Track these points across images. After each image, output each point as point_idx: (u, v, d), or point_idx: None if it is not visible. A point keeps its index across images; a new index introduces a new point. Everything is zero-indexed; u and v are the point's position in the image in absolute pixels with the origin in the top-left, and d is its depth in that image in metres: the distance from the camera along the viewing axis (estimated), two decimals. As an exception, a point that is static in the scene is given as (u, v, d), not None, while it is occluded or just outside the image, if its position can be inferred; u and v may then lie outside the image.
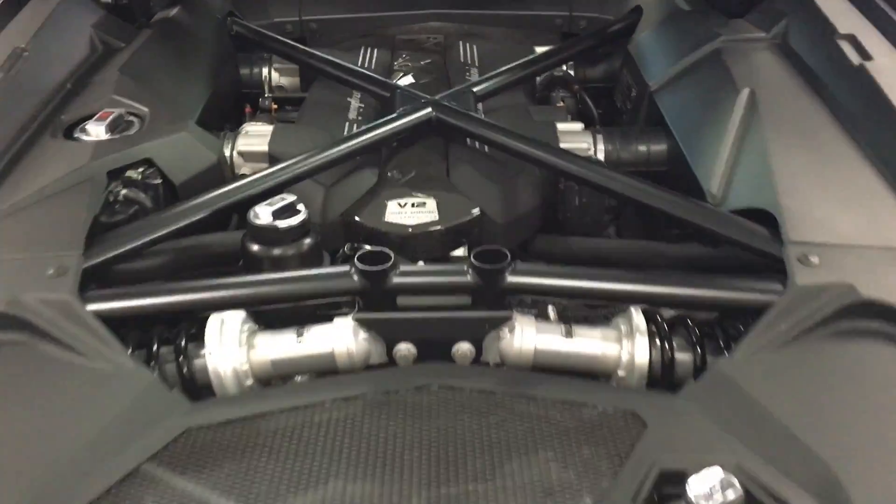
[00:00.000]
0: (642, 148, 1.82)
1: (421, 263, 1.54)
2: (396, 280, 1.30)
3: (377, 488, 0.98)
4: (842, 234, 1.30)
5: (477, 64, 2.22)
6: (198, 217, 1.45)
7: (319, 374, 1.41)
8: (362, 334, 1.35)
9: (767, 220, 1.39)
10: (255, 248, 1.44)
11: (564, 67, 2.23)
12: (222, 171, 1.68)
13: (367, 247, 1.59)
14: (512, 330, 1.35)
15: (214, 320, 1.35)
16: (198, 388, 1.33)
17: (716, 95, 1.71)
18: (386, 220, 1.59)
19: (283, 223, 1.43)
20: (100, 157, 1.48)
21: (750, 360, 1.15)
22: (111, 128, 1.58)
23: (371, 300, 1.33)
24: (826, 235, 1.30)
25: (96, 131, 1.57)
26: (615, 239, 1.72)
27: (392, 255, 1.31)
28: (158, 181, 1.53)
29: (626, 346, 1.34)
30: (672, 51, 1.96)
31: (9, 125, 1.51)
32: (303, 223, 1.46)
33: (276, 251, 1.44)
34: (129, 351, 1.22)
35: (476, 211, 1.62)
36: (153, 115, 1.64)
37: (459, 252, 1.64)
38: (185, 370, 1.33)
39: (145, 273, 1.45)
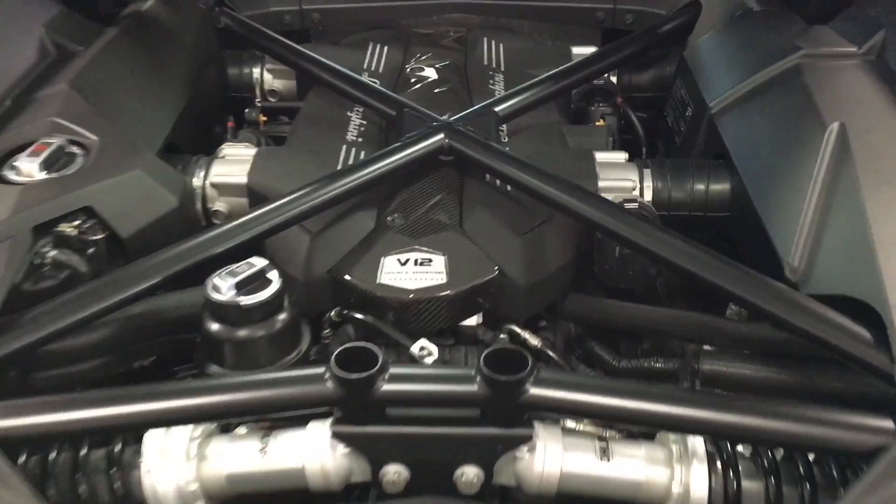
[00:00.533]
0: (699, 187, 1.49)
1: (423, 346, 1.25)
2: (384, 388, 1.01)
3: None
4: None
5: (502, 67, 1.89)
6: (146, 285, 1.16)
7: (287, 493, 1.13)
8: (341, 448, 1.07)
9: (864, 310, 1.07)
10: (214, 327, 1.16)
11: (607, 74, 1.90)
12: (186, 216, 1.37)
13: (358, 315, 1.31)
14: (532, 449, 1.07)
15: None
16: None
17: (796, 129, 1.38)
18: (381, 281, 1.29)
19: (247, 299, 1.14)
20: (25, 208, 1.19)
21: None
22: (47, 164, 1.27)
23: (352, 410, 1.04)
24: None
25: (28, 169, 1.27)
26: (663, 309, 1.40)
27: (379, 354, 1.01)
28: (99, 236, 1.23)
29: (680, 472, 1.05)
30: (739, 63, 1.62)
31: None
32: (274, 297, 1.17)
33: (240, 333, 1.15)
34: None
35: (494, 271, 1.32)
36: (103, 144, 1.33)
37: (472, 321, 1.34)
38: (115, 487, 1.06)
39: (81, 352, 1.17)
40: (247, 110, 1.84)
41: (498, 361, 1.02)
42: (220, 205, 1.49)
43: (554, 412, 1.05)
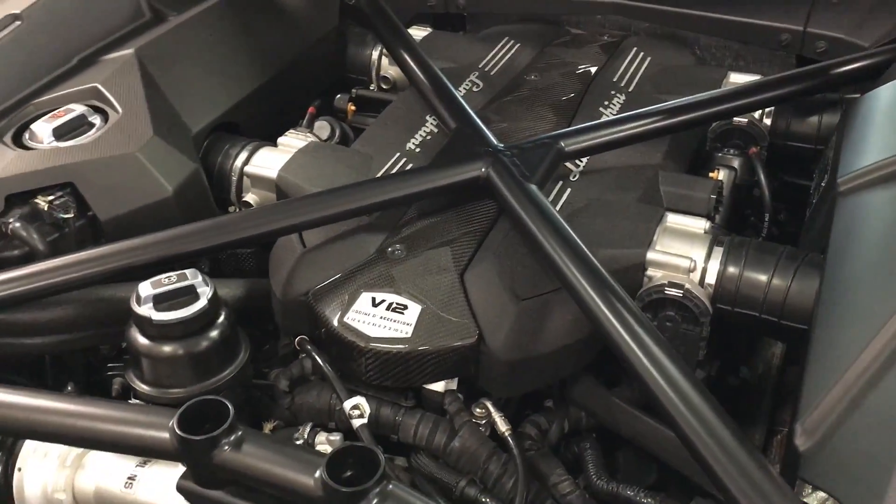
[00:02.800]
0: (779, 283, 1.15)
1: (357, 404, 1.11)
2: (224, 456, 0.89)
3: None
4: None
5: (631, 87, 1.60)
6: (94, 272, 1.13)
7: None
8: (198, 502, 0.97)
9: None
10: (131, 335, 1.10)
11: (759, 114, 1.53)
12: (187, 206, 1.32)
13: (314, 353, 1.18)
14: (385, 570, 0.89)
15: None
16: None
17: None
18: (346, 319, 1.15)
19: (162, 314, 1.07)
20: (7, 174, 1.20)
21: None
22: (60, 132, 1.28)
23: (200, 471, 0.93)
24: None
25: (40, 134, 1.28)
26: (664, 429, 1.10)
27: (231, 412, 0.89)
28: (70, 215, 1.22)
29: None
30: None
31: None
32: (198, 317, 1.08)
33: (153, 348, 1.08)
34: None
35: (470, 337, 1.12)
36: (122, 119, 1.31)
37: (438, 387, 1.16)
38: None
39: (25, 326, 1.18)
40: (338, 97, 1.74)
41: (353, 458, 0.86)
42: (250, 197, 1.43)
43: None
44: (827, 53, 1.63)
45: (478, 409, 1.16)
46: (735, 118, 1.50)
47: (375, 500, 0.83)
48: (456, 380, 1.17)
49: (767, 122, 1.54)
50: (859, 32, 1.59)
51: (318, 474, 0.85)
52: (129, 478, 1.03)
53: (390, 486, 0.85)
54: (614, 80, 1.63)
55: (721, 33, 1.74)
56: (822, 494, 0.95)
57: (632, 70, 1.66)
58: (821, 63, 1.53)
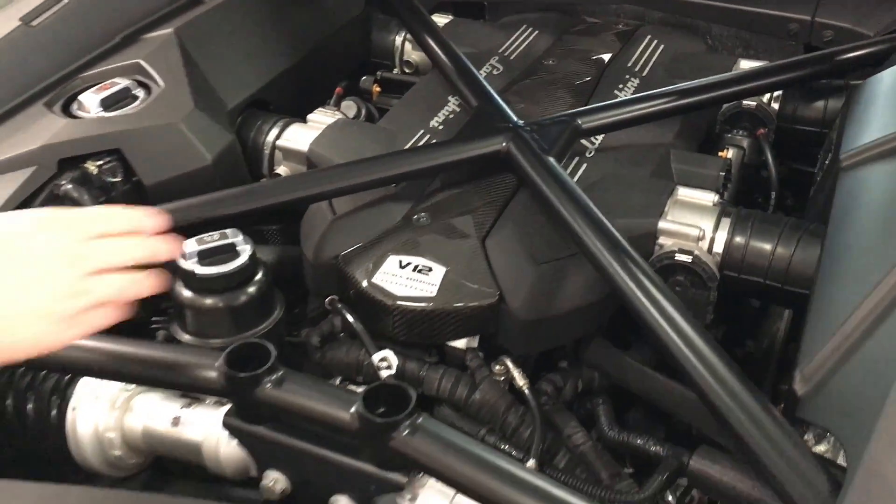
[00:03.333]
0: (783, 252, 1.22)
1: (384, 357, 1.18)
2: (266, 392, 0.97)
3: None
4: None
5: (645, 72, 1.68)
6: None
7: (196, 466, 1.13)
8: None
9: None
10: (177, 288, 1.18)
11: (768, 96, 1.60)
12: (225, 175, 1.39)
13: (345, 311, 1.26)
14: (414, 498, 0.97)
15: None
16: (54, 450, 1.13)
17: None
18: (374, 280, 1.22)
19: (205, 269, 1.15)
20: (59, 140, 1.28)
21: None
22: (106, 103, 1.36)
23: (244, 407, 1.01)
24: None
25: (89, 104, 1.36)
26: (685, 390, 1.17)
27: (273, 353, 0.97)
28: (118, 179, 1.30)
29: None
30: (897, 109, 1.30)
31: (9, 85, 1.36)
32: (238, 272, 1.16)
33: (195, 300, 1.16)
34: None
35: (491, 297, 1.19)
36: (165, 92, 1.39)
37: (461, 343, 1.24)
38: (52, 414, 1.13)
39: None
40: (363, 78, 1.82)
41: (386, 396, 0.93)
42: (281, 169, 1.51)
43: (423, 469, 0.93)
44: (833, 42, 1.69)
45: (497, 367, 1.23)
46: (744, 101, 1.57)
47: (407, 431, 0.91)
48: (477, 338, 1.24)
49: (775, 106, 1.61)
50: (865, 22, 1.66)
51: (354, 409, 0.93)
52: (174, 419, 1.10)
53: (420, 419, 0.93)
54: (629, 65, 1.70)
55: (731, 23, 1.81)
56: (820, 448, 1.02)
57: (646, 56, 1.73)
58: (827, 50, 1.60)
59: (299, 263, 1.35)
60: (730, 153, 1.50)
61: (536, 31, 1.85)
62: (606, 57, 1.75)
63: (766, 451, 0.88)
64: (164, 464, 1.19)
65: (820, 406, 0.91)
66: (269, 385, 0.97)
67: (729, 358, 0.99)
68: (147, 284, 0.83)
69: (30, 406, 1.16)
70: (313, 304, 1.41)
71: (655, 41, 1.78)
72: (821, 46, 1.72)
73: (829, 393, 0.91)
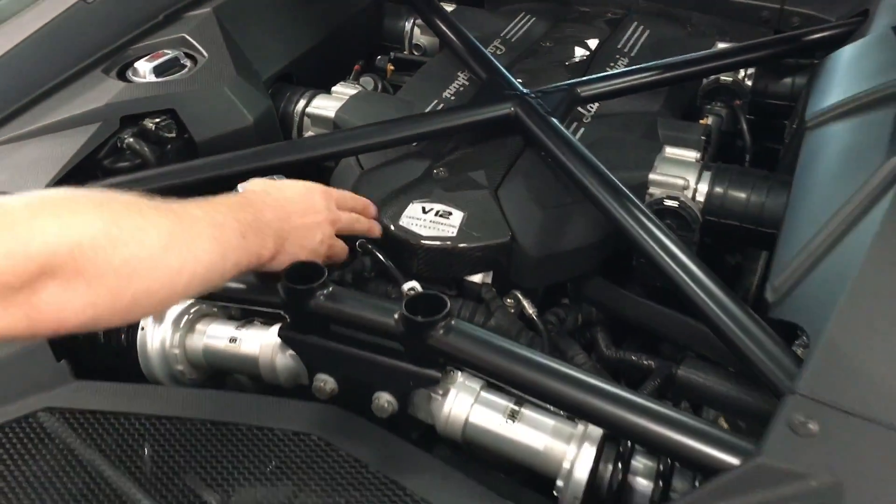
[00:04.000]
0: (756, 199, 1.41)
1: (412, 287, 1.35)
2: (319, 303, 1.13)
3: None
4: (879, 406, 0.90)
5: (633, 54, 1.87)
6: (191, 179, 1.38)
7: (251, 378, 1.30)
8: (291, 351, 1.21)
9: None
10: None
11: (743, 73, 1.80)
12: (263, 135, 1.57)
13: (375, 251, 1.43)
14: (446, 393, 1.14)
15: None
16: (129, 362, 1.29)
17: (859, 156, 1.27)
18: (401, 223, 1.40)
19: (257, 207, 1.31)
20: (121, 100, 1.45)
21: None
22: (158, 70, 1.53)
23: (300, 319, 1.17)
24: (855, 400, 0.90)
25: (143, 71, 1.53)
26: (676, 314, 1.36)
27: (325, 272, 1.14)
28: (172, 135, 1.47)
29: (572, 451, 1.06)
30: (856, 78, 1.49)
31: (70, 54, 1.53)
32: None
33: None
34: None
35: (504, 237, 1.37)
36: (209, 61, 1.57)
37: (477, 278, 1.41)
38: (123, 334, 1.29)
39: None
40: (378, 58, 2.01)
41: (423, 304, 1.10)
42: (310, 134, 1.68)
43: (457, 362, 1.10)
44: (800, 28, 1.90)
45: (508, 299, 1.41)
46: (722, 77, 1.77)
47: (442, 330, 1.08)
48: (491, 274, 1.41)
49: (749, 83, 1.81)
50: (827, 10, 1.86)
51: (397, 314, 1.10)
52: (231, 338, 1.27)
53: (453, 321, 1.10)
54: (618, 46, 1.90)
55: (709, 10, 2.01)
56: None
57: (633, 39, 1.93)
58: (794, 31, 1.80)
59: None
60: (709, 120, 1.69)
61: (534, 18, 2.04)
62: (597, 41, 1.95)
63: (741, 339, 1.06)
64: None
65: (787, 307, 1.09)
66: (322, 297, 1.13)
67: (710, 271, 1.17)
68: (346, 251, 1.30)
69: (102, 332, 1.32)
70: None
71: (641, 27, 1.98)
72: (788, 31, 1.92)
73: (795, 297, 1.09)
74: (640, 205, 1.30)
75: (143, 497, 1.00)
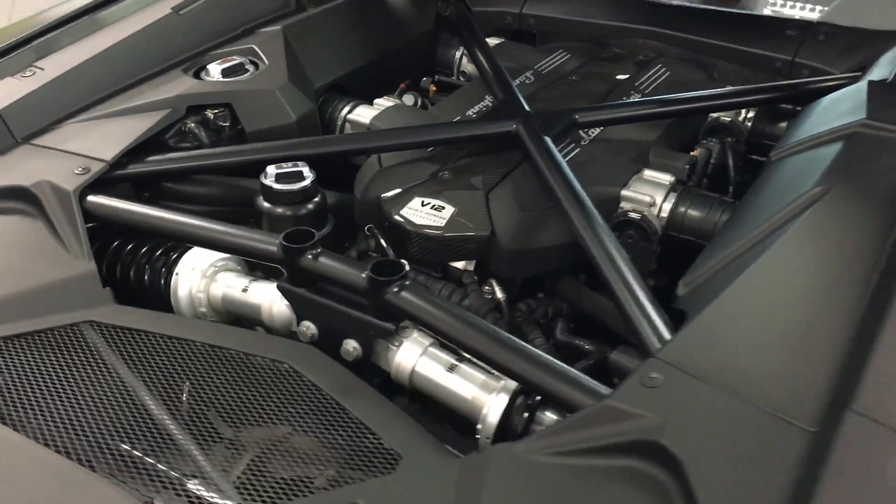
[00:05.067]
0: (712, 219, 1.59)
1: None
2: (307, 261, 1.39)
3: None
4: (717, 373, 1.08)
5: (647, 91, 2.07)
6: (238, 159, 1.68)
7: (256, 324, 1.57)
8: (286, 301, 1.47)
9: None
10: (258, 200, 1.63)
11: (744, 114, 1.97)
12: (304, 132, 1.86)
13: (378, 235, 1.68)
14: (399, 345, 1.37)
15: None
16: (161, 305, 1.58)
17: (794, 185, 1.44)
18: (401, 212, 1.65)
19: (279, 185, 1.60)
20: (189, 92, 1.77)
21: (521, 459, 1.06)
22: (227, 72, 1.86)
23: (292, 273, 1.44)
24: (700, 366, 1.09)
25: (213, 72, 1.86)
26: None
27: (315, 235, 1.40)
28: (226, 124, 1.78)
29: (490, 400, 1.28)
30: (825, 121, 1.65)
31: (158, 54, 1.88)
32: (301, 191, 1.61)
33: (270, 209, 1.61)
34: (96, 246, 1.52)
35: (485, 231, 1.60)
36: (268, 67, 1.88)
37: (460, 265, 1.64)
38: (163, 279, 1.59)
39: (188, 195, 1.73)
40: (424, 79, 2.28)
41: (388, 268, 1.35)
42: (345, 135, 1.97)
43: (407, 316, 1.33)
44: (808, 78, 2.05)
45: (486, 287, 1.63)
46: (722, 116, 1.95)
47: (397, 288, 1.32)
48: (474, 263, 1.64)
49: (749, 124, 1.98)
50: (834, 64, 2.02)
51: (364, 274, 1.35)
52: (244, 288, 1.54)
53: (408, 282, 1.33)
54: (636, 84, 2.10)
55: (730, 59, 2.19)
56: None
57: (651, 79, 2.13)
58: (796, 80, 1.96)
59: (351, 207, 1.79)
60: (697, 152, 1.88)
61: (569, 55, 2.27)
62: (621, 78, 2.16)
63: (636, 315, 1.25)
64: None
65: (686, 300, 1.28)
66: (309, 256, 1.39)
67: (633, 266, 1.36)
68: None
69: (146, 276, 1.62)
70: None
71: (664, 69, 2.18)
72: (800, 82, 2.08)
73: (695, 292, 1.28)
74: (595, 213, 1.50)
75: (151, 401, 1.26)
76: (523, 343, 1.26)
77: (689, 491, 0.94)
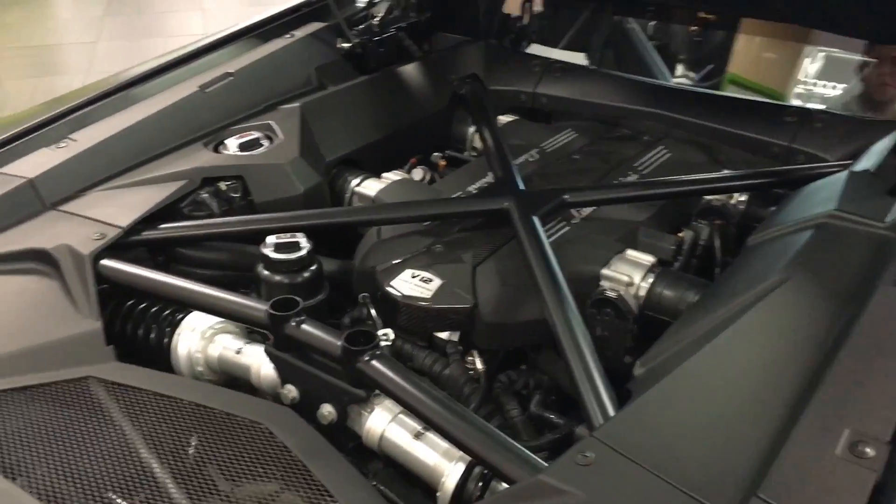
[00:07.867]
0: (684, 299, 1.64)
1: (385, 333, 1.68)
2: (291, 328, 1.49)
3: None
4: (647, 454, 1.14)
5: (645, 172, 2.14)
6: (245, 228, 1.81)
7: (246, 383, 1.67)
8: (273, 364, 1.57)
9: None
10: (258, 268, 1.74)
11: (739, 198, 2.03)
12: (311, 203, 1.98)
13: (370, 304, 1.77)
14: (371, 411, 1.45)
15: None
16: (161, 363, 1.69)
17: (761, 271, 1.49)
18: (392, 283, 1.74)
19: (276, 255, 1.71)
20: (205, 165, 1.91)
21: None
22: (243, 146, 2.00)
23: (278, 339, 1.54)
24: (631, 447, 1.14)
25: (231, 146, 2.01)
26: None
27: (300, 303, 1.50)
28: (237, 195, 1.91)
29: (449, 468, 1.35)
30: (803, 209, 1.70)
31: (182, 128, 2.03)
32: (298, 260, 1.71)
33: (271, 277, 1.72)
34: (112, 304, 1.66)
35: (468, 304, 1.68)
36: (281, 143, 2.02)
37: (445, 335, 1.72)
38: (165, 339, 1.71)
39: (198, 260, 1.86)
40: (434, 154, 2.39)
41: (363, 338, 1.44)
42: (352, 209, 2.08)
43: (375, 385, 1.42)
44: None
45: (468, 358, 1.71)
46: (713, 199, 2.00)
47: (368, 357, 1.40)
48: (458, 334, 1.72)
49: (741, 207, 2.03)
50: (830, 151, 2.06)
51: (339, 342, 1.44)
52: (238, 349, 1.65)
53: (379, 352, 1.42)
54: (635, 164, 2.18)
55: (731, 143, 2.24)
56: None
57: (652, 160, 2.20)
58: (788, 167, 2.02)
59: (350, 273, 1.89)
60: (684, 234, 1.93)
61: (576, 134, 2.37)
62: (622, 157, 2.23)
63: (587, 392, 1.32)
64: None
65: (641, 380, 1.33)
66: (293, 323, 1.49)
67: (592, 346, 1.42)
68: None
69: (151, 335, 1.74)
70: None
71: (666, 151, 2.25)
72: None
73: (649, 372, 1.34)
74: (566, 291, 1.57)
75: (150, 456, 1.35)
76: (475, 416, 1.33)
77: None
